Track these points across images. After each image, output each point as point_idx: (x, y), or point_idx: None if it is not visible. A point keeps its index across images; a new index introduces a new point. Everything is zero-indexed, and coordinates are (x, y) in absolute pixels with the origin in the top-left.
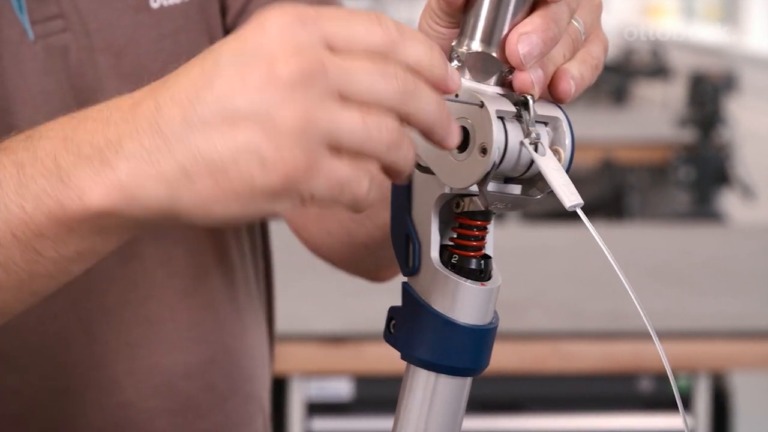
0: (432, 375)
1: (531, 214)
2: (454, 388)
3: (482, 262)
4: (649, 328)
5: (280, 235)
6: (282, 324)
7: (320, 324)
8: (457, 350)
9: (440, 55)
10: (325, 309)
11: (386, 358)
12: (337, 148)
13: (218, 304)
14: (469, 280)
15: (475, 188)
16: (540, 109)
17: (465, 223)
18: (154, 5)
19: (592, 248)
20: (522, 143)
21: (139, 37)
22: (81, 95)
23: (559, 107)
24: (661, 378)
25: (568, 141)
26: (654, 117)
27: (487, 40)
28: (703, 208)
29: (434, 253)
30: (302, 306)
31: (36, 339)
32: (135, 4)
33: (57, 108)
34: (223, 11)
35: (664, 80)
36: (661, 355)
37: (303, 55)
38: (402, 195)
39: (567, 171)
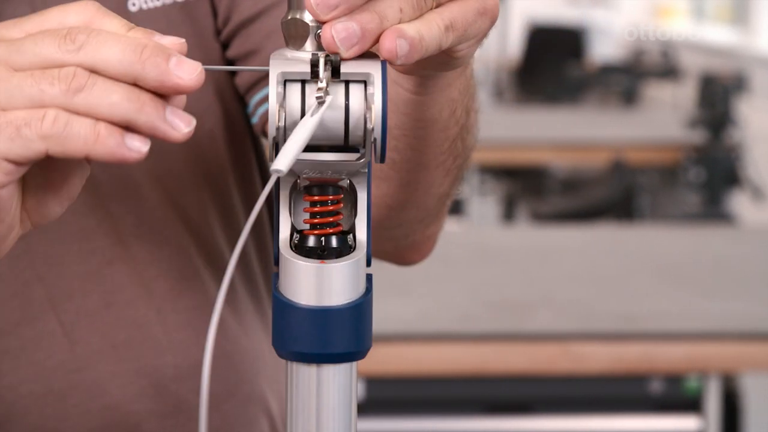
0: (312, 367)
1: (541, 214)
2: (337, 376)
3: (323, 239)
4: None
5: None
6: None
7: None
8: (304, 335)
9: (155, 53)
10: None
11: (397, 359)
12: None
13: (212, 306)
14: (306, 259)
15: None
16: (353, 66)
17: (306, 200)
18: (133, 9)
19: (602, 249)
20: (303, 104)
21: None
22: None
23: (381, 62)
24: (672, 380)
25: (378, 98)
26: (664, 118)
27: (301, 6)
28: (713, 209)
29: (282, 235)
30: None
31: (13, 342)
32: (113, 8)
33: None
34: (215, 11)
35: (675, 81)
36: None
37: None
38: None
39: (383, 129)
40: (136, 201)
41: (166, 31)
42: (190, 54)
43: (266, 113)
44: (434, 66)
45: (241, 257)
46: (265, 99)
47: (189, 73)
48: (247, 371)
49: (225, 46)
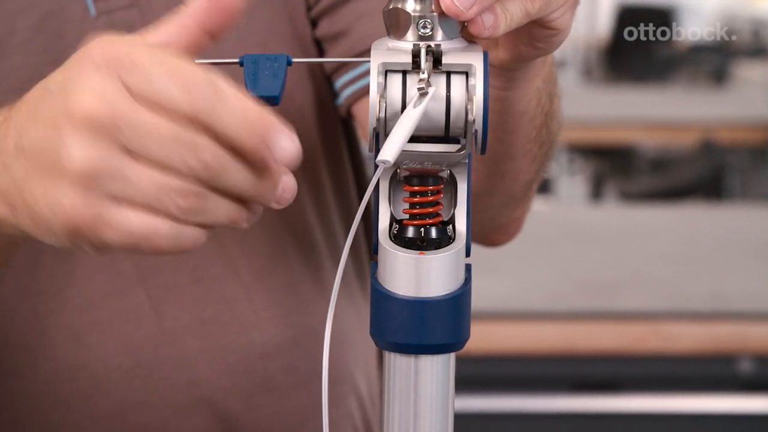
0: (410, 358)
1: (629, 193)
2: (435, 367)
3: (422, 229)
4: None
5: None
6: None
7: None
8: (402, 326)
9: (259, 123)
10: None
11: (486, 338)
12: (127, 202)
13: (299, 285)
14: (405, 250)
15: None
16: (454, 57)
17: (406, 191)
18: None
19: (692, 228)
20: (404, 94)
21: None
22: None
23: (483, 53)
24: (763, 360)
25: (479, 89)
26: (755, 97)
27: None
28: None
29: (382, 225)
30: None
31: (102, 315)
32: None
33: None
34: None
35: (765, 60)
36: None
37: (101, 100)
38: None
39: (484, 120)
40: None
41: (258, 4)
42: (281, 31)
43: (351, 96)
44: (535, 44)
45: (330, 237)
46: (350, 82)
47: (290, 159)
48: (335, 351)
49: (313, 23)
